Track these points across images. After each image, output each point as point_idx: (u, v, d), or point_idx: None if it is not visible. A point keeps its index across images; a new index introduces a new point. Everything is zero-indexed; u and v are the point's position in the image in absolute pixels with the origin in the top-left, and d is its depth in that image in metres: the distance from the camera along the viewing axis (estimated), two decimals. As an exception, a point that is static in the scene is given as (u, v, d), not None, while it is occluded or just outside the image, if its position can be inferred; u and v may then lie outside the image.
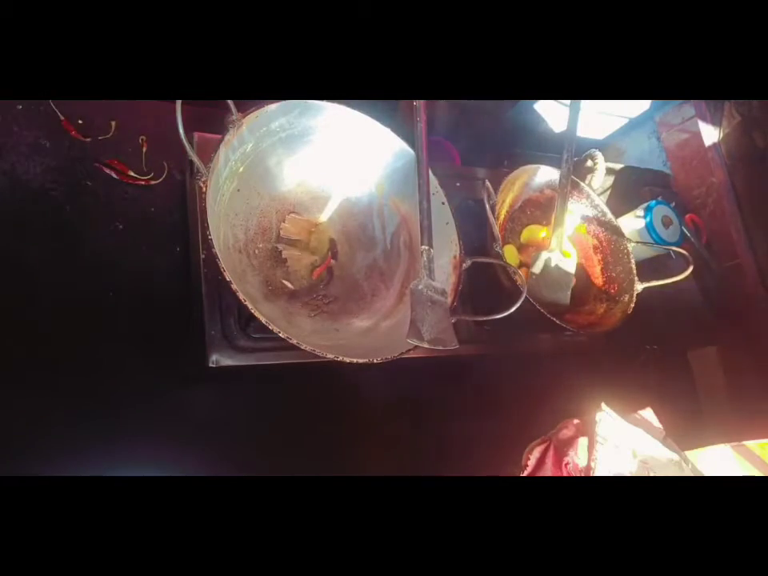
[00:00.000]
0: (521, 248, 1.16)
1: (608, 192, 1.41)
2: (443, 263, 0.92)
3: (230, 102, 0.78)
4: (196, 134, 0.92)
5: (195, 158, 0.74)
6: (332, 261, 0.95)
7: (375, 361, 0.78)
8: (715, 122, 1.39)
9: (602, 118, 1.37)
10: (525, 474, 0.88)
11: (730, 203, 1.38)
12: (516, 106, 1.30)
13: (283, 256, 0.92)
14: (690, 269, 1.09)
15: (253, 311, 0.71)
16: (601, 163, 1.27)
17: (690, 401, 1.29)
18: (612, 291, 1.16)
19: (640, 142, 1.55)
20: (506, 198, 1.11)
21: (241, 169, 0.85)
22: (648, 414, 0.94)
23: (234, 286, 0.71)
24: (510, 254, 1.12)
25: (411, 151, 0.95)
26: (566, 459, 0.85)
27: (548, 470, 0.86)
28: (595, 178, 1.27)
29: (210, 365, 0.84)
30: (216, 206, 0.79)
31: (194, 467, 0.79)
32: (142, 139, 0.92)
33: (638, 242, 1.20)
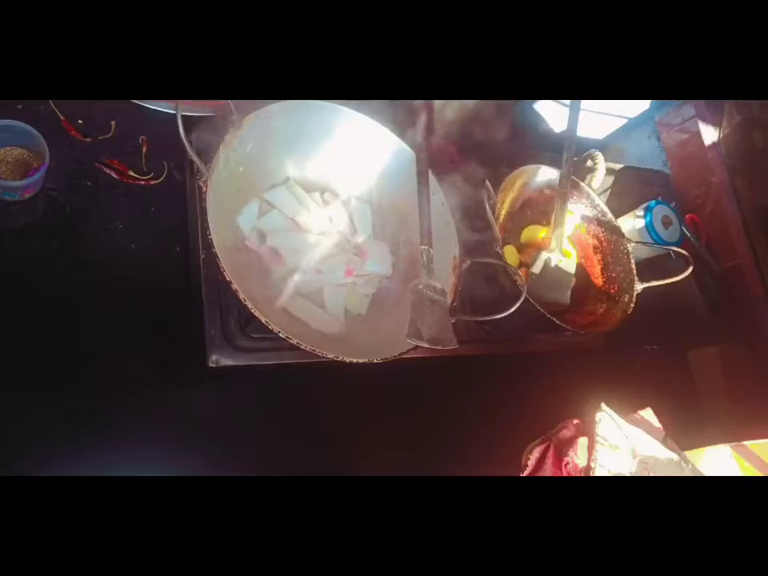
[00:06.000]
0: (521, 248, 1.15)
1: (608, 192, 1.41)
2: (443, 263, 0.92)
3: (230, 101, 0.78)
4: (196, 134, 0.92)
5: (195, 158, 0.74)
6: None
7: (375, 361, 0.78)
8: (715, 122, 1.39)
9: (601, 118, 1.37)
10: (525, 474, 0.88)
11: (730, 203, 1.37)
12: (516, 106, 1.29)
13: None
14: (690, 269, 1.09)
15: (253, 311, 0.71)
16: (601, 163, 1.26)
17: (690, 401, 1.29)
18: (612, 291, 1.16)
19: (640, 141, 1.55)
20: (506, 198, 1.11)
21: (240, 169, 0.85)
22: (648, 414, 0.94)
23: (234, 286, 0.71)
24: (510, 254, 1.12)
25: (411, 151, 0.95)
26: (566, 459, 0.85)
27: (548, 470, 0.86)
28: (595, 178, 1.27)
29: (210, 365, 0.84)
30: (216, 206, 0.79)
31: (193, 467, 0.79)
32: (142, 139, 0.92)
33: (637, 242, 1.20)
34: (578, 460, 0.84)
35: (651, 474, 0.84)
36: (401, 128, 0.96)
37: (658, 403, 0.96)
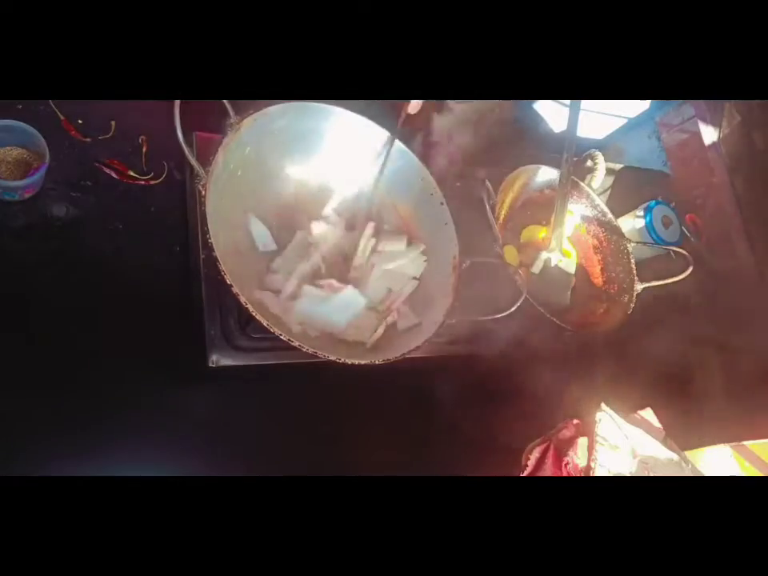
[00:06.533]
0: (521, 248, 1.15)
1: (608, 192, 1.41)
2: (443, 263, 0.92)
3: (227, 104, 0.78)
4: (196, 134, 0.92)
5: (194, 162, 0.74)
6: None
7: (377, 362, 0.78)
8: (715, 122, 1.39)
9: (601, 118, 1.37)
10: (525, 474, 0.88)
11: (730, 203, 1.37)
12: (516, 106, 1.29)
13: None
14: (690, 269, 1.09)
15: (254, 314, 0.71)
16: (601, 163, 1.26)
17: (690, 401, 1.29)
18: (612, 291, 1.16)
19: (640, 141, 1.54)
20: (506, 198, 1.11)
21: (239, 172, 0.85)
22: (648, 414, 0.94)
23: (235, 289, 0.71)
24: (510, 254, 1.12)
25: (409, 152, 0.95)
26: (566, 459, 0.85)
27: (548, 470, 0.86)
28: (595, 178, 1.27)
29: (210, 365, 0.84)
30: (216, 208, 0.79)
31: (193, 467, 0.79)
32: (142, 139, 0.92)
33: (638, 242, 1.20)
34: (577, 460, 0.84)
35: (651, 474, 0.84)
36: (398, 127, 0.96)
37: (657, 403, 0.96)
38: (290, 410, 0.91)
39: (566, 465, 0.84)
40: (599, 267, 1.21)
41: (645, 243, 1.24)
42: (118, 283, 0.85)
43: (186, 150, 0.73)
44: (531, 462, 0.88)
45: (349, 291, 0.88)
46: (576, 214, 1.20)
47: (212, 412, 0.86)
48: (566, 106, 1.16)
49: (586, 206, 1.20)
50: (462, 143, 1.07)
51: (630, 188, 1.42)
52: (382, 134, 0.94)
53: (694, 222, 1.41)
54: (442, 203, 0.95)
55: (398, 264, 0.94)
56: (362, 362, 0.77)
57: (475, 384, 1.03)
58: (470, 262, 0.91)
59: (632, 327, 1.09)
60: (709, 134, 1.40)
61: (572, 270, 1.13)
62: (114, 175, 0.89)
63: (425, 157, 0.97)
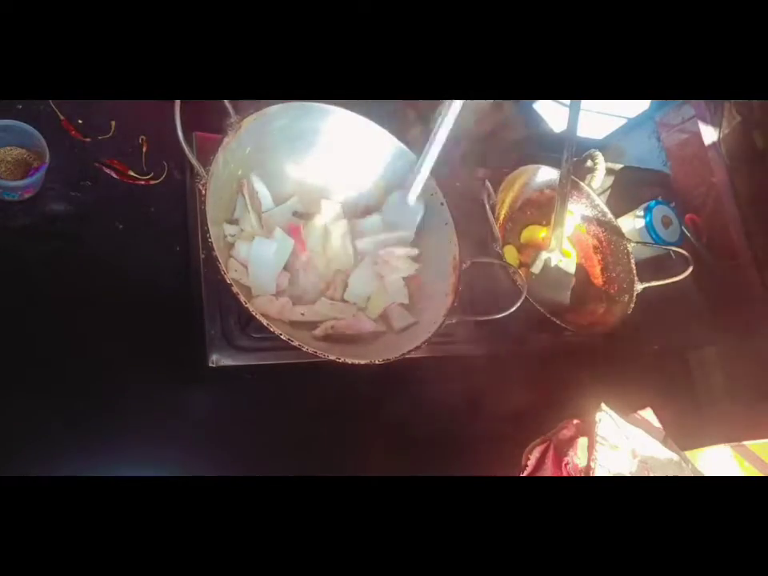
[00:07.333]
0: (521, 248, 1.16)
1: (608, 192, 1.41)
2: (443, 263, 0.92)
3: (227, 104, 0.78)
4: (196, 134, 0.92)
5: (194, 161, 0.74)
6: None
7: (377, 362, 0.78)
8: (715, 122, 1.39)
9: (601, 118, 1.37)
10: (525, 474, 0.88)
11: (730, 203, 1.38)
12: (516, 105, 1.30)
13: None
14: (690, 269, 1.09)
15: (254, 314, 0.71)
16: (601, 163, 1.27)
17: (690, 401, 1.29)
18: (612, 291, 1.16)
19: (640, 141, 1.55)
20: (506, 198, 1.11)
21: (239, 172, 0.85)
22: (648, 414, 0.94)
23: (235, 289, 0.71)
24: (510, 254, 1.12)
25: (409, 152, 0.95)
26: (566, 459, 0.85)
27: (548, 470, 0.86)
28: (595, 178, 1.27)
29: (210, 365, 0.84)
30: (216, 208, 0.79)
31: (193, 467, 0.79)
32: (142, 139, 0.92)
33: (637, 242, 1.21)
34: (577, 460, 0.84)
35: (651, 474, 0.84)
36: (400, 128, 0.96)
37: (657, 403, 0.96)
38: (290, 409, 0.91)
39: (565, 465, 0.84)
40: (599, 267, 1.21)
41: (645, 243, 1.24)
42: (117, 283, 0.85)
43: (186, 149, 0.73)
44: (531, 462, 0.88)
45: (277, 233, 0.87)
46: (576, 214, 1.20)
47: (212, 412, 0.86)
48: (566, 106, 1.16)
49: (586, 206, 1.20)
50: (462, 143, 1.07)
51: (630, 188, 1.42)
52: (383, 134, 0.94)
53: (693, 222, 1.41)
54: (442, 203, 0.95)
55: (387, 252, 0.93)
56: (362, 362, 0.77)
57: (475, 384, 1.04)
58: (470, 262, 0.91)
59: (632, 327, 1.09)
60: (709, 134, 1.40)
61: (572, 269, 1.13)
62: (114, 175, 0.89)
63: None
